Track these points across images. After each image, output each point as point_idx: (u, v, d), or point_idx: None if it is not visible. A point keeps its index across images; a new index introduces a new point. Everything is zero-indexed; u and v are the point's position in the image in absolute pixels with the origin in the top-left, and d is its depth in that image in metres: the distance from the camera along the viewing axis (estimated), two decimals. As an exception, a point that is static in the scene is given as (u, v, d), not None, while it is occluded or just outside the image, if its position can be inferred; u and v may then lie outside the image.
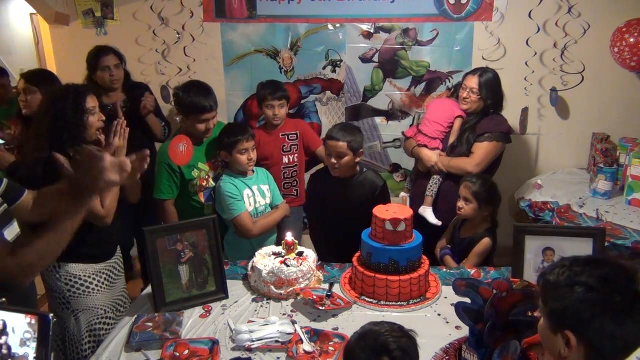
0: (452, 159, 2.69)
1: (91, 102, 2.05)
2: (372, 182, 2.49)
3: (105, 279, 2.14)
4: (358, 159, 2.46)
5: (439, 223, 2.71)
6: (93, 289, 2.10)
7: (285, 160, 2.87)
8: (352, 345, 1.23)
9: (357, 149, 2.43)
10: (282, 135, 2.86)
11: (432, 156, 2.73)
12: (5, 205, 1.62)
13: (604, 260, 1.10)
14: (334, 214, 2.52)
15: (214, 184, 2.57)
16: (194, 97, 2.45)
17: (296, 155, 2.89)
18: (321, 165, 2.91)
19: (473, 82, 2.68)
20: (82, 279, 2.07)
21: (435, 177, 2.76)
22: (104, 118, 2.08)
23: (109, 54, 2.83)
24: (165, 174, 2.48)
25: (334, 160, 2.42)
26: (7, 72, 3.50)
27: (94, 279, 2.10)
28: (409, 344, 1.20)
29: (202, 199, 2.56)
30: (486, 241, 2.33)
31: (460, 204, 2.38)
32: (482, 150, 2.65)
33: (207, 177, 2.56)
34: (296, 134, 2.89)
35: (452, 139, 2.76)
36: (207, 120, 2.48)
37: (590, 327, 1.00)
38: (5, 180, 1.66)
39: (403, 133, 3.04)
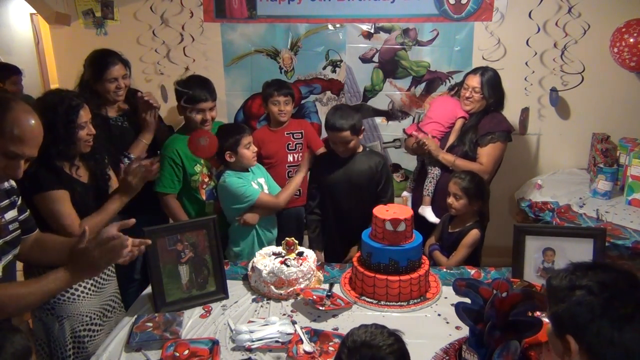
0: (461, 161, 2.67)
1: (84, 116, 1.94)
2: (374, 156, 2.62)
3: (92, 284, 2.06)
4: (361, 136, 2.56)
5: (439, 221, 2.72)
6: (79, 295, 2.01)
7: (290, 158, 2.88)
8: None
9: (359, 129, 2.51)
10: (287, 134, 2.88)
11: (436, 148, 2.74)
12: (19, 231, 1.61)
13: (607, 266, 1.09)
14: (341, 191, 2.58)
15: (215, 182, 2.57)
16: (190, 87, 2.50)
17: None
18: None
19: (475, 81, 2.69)
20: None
21: (430, 176, 2.77)
22: (93, 132, 1.98)
23: (117, 64, 2.48)
24: (168, 168, 2.48)
25: (341, 148, 2.52)
26: (20, 70, 3.51)
27: (79, 285, 2.00)
28: (402, 349, 1.18)
29: (204, 196, 2.56)
30: (474, 232, 2.36)
31: (450, 200, 2.41)
32: (489, 156, 2.66)
33: (209, 173, 2.56)
34: (301, 132, 2.91)
35: (452, 138, 2.76)
36: (203, 111, 2.49)
37: (588, 331, 0.99)
38: (28, 211, 1.68)
39: (404, 130, 3.05)
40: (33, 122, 1.42)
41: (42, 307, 2.00)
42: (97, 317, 2.08)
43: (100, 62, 2.49)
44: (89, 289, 2.05)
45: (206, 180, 2.56)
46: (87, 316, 2.04)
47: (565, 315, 1.03)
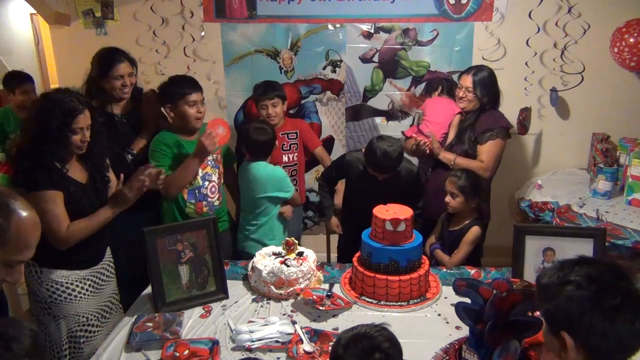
0: (461, 159, 2.66)
1: (80, 122, 1.90)
2: (407, 167, 2.56)
3: (90, 285, 2.05)
4: None
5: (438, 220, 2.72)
6: (76, 296, 2.01)
7: (285, 159, 2.87)
8: (342, 356, 1.21)
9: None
10: (281, 134, 2.87)
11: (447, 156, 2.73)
12: None
13: (593, 260, 1.11)
14: (369, 198, 2.50)
15: (200, 182, 2.52)
16: (175, 81, 2.50)
17: (295, 154, 2.90)
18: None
19: (468, 81, 2.69)
20: (65, 286, 1.98)
21: None
22: (87, 139, 1.95)
23: (123, 61, 2.49)
24: (158, 153, 2.46)
25: (381, 178, 2.50)
26: (31, 78, 3.47)
27: (77, 285, 2.01)
28: (390, 334, 1.23)
29: (185, 195, 2.51)
30: (475, 229, 2.36)
31: (448, 198, 2.41)
32: (489, 153, 2.66)
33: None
34: (296, 132, 2.90)
35: (451, 135, 2.77)
36: (195, 103, 2.47)
37: (581, 326, 1.01)
38: None
39: (403, 132, 3.04)
40: (35, 220, 1.25)
41: (39, 306, 2.01)
42: (95, 318, 2.07)
43: (107, 59, 2.50)
44: (87, 290, 2.04)
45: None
46: (83, 317, 2.03)
47: (557, 312, 1.05)
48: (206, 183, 2.55)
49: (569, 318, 1.03)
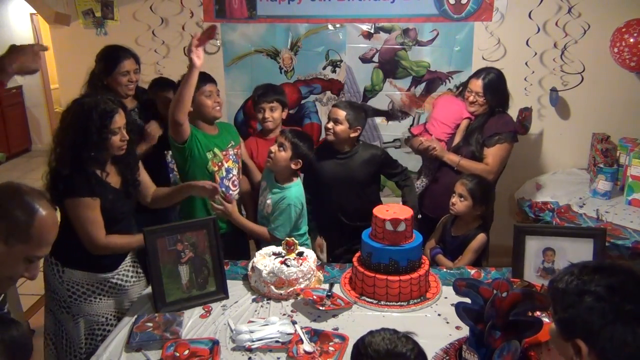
0: (465, 161, 2.66)
1: (118, 122, 1.90)
2: (370, 151, 2.62)
3: (110, 287, 2.06)
4: (353, 135, 2.56)
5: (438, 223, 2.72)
6: (95, 298, 2.02)
7: None
8: None
9: (354, 124, 2.53)
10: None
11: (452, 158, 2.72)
12: None
13: (613, 268, 1.07)
14: (339, 188, 2.59)
15: (224, 174, 2.53)
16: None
17: None
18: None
19: (477, 85, 2.67)
20: (85, 287, 2.00)
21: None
22: (127, 137, 1.96)
23: (129, 58, 2.52)
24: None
25: (330, 125, 2.55)
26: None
27: (97, 287, 2.02)
28: (421, 351, 1.18)
29: (217, 180, 2.50)
30: (481, 237, 2.34)
31: (455, 199, 2.39)
32: (495, 157, 2.65)
33: (220, 163, 2.52)
34: None
35: (457, 138, 2.76)
36: (211, 93, 2.46)
37: (601, 337, 0.98)
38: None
39: (409, 129, 3.03)
40: (55, 219, 1.35)
41: (58, 304, 2.03)
42: (115, 318, 2.08)
43: (113, 55, 2.52)
44: (107, 291, 2.06)
45: (215, 169, 2.50)
46: (103, 317, 2.05)
47: (576, 321, 1.02)
48: (230, 175, 2.56)
49: (588, 328, 1.00)
